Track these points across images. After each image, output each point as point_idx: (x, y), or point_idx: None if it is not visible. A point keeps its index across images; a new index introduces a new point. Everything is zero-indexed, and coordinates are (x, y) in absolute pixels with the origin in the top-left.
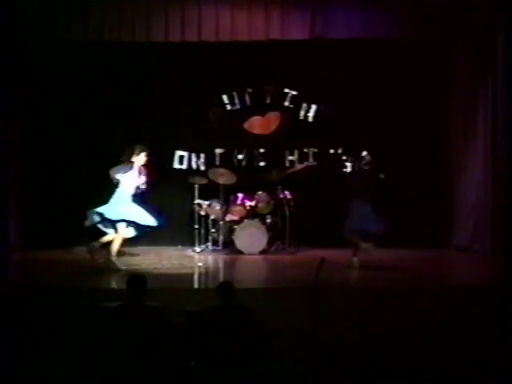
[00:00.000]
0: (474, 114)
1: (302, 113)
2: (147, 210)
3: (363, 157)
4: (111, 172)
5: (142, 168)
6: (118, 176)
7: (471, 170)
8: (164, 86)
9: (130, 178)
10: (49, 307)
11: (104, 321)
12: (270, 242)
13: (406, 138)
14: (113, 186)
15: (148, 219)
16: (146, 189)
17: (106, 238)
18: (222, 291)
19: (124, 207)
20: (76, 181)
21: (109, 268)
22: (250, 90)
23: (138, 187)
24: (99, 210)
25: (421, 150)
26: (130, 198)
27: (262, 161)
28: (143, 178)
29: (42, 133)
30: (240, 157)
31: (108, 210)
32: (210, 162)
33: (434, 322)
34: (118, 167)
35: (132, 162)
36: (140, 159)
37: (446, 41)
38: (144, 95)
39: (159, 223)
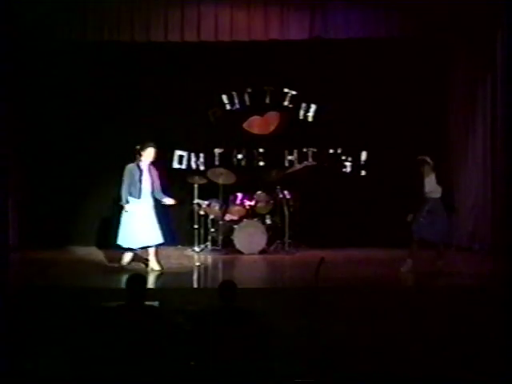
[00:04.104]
0: (474, 113)
1: (302, 113)
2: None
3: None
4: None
5: (151, 167)
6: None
7: (471, 170)
8: (164, 86)
9: (144, 177)
10: (48, 307)
11: (104, 321)
12: (270, 242)
13: (405, 138)
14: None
15: (153, 238)
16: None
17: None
18: (225, 290)
19: (134, 228)
20: (76, 181)
21: (107, 268)
22: (249, 90)
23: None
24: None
25: (420, 149)
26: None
27: (261, 161)
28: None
29: (42, 133)
30: (239, 157)
31: (123, 237)
32: (209, 162)
33: (434, 322)
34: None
35: (140, 160)
36: (148, 155)
37: (445, 40)
38: (144, 95)
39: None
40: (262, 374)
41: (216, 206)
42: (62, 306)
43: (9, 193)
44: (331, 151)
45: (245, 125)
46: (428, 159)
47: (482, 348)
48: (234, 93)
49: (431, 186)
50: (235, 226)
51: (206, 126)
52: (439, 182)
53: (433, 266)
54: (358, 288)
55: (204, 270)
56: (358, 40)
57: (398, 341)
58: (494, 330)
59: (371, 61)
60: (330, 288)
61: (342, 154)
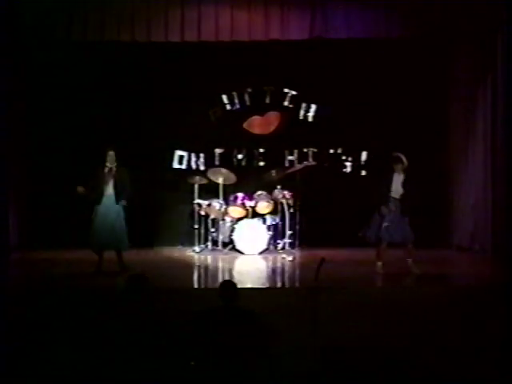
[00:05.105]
0: (474, 113)
1: (302, 113)
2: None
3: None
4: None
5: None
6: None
7: (471, 170)
8: (164, 86)
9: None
10: (49, 307)
11: (104, 321)
12: (270, 242)
13: (405, 138)
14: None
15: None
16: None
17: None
18: (225, 290)
19: (101, 231)
20: (76, 181)
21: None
22: (249, 90)
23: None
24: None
25: (420, 149)
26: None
27: (261, 161)
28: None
29: (43, 132)
30: (240, 157)
31: (91, 239)
32: (209, 162)
33: (434, 322)
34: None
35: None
36: (109, 160)
37: (446, 41)
38: (144, 95)
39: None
40: (262, 373)
41: (216, 206)
42: (62, 306)
43: (9, 193)
44: (331, 151)
45: (245, 125)
46: (403, 158)
47: (482, 348)
48: (234, 93)
49: (397, 185)
50: (235, 226)
51: (207, 125)
52: (404, 186)
53: (405, 267)
54: (358, 288)
55: (204, 270)
56: (358, 40)
57: (398, 341)
58: (494, 330)
59: (371, 61)
60: (329, 288)
61: (343, 154)
